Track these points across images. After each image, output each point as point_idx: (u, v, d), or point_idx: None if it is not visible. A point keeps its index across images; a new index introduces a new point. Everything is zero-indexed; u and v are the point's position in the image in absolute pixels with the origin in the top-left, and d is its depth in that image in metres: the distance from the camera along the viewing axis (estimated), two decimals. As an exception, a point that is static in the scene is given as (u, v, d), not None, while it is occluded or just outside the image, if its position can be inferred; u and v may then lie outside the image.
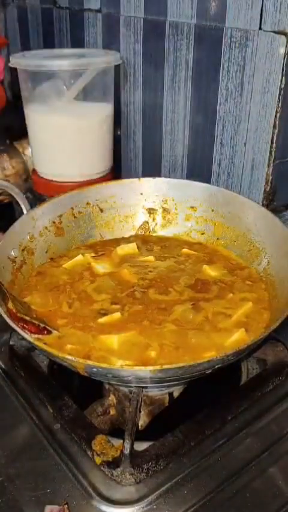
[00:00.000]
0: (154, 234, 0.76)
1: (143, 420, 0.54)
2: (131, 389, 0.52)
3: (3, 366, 0.61)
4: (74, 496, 0.46)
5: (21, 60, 0.84)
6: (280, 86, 0.70)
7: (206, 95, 0.81)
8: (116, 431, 0.54)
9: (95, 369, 0.46)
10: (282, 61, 0.68)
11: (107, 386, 0.57)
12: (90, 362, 0.46)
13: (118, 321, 0.57)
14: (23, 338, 0.49)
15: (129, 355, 0.52)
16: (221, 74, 0.78)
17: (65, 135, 0.85)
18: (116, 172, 0.95)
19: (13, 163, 0.97)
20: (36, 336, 0.53)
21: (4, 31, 1.33)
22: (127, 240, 0.75)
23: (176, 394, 0.57)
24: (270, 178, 0.77)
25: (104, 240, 0.75)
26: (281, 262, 0.62)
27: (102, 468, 0.48)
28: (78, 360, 0.46)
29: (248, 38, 0.71)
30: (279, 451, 0.50)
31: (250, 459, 0.49)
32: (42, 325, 0.54)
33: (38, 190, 0.91)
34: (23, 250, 0.66)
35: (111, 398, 0.56)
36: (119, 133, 1.02)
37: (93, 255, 0.70)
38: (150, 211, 0.76)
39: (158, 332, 0.56)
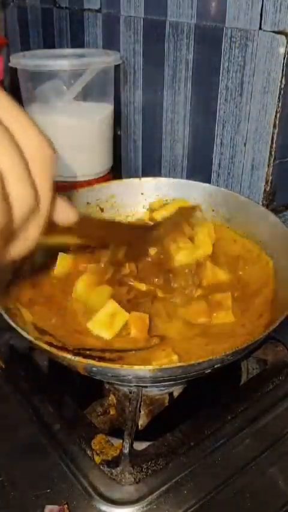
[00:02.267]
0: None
1: (142, 420, 0.54)
2: (131, 388, 0.52)
3: (3, 366, 0.61)
4: (74, 496, 0.46)
5: (21, 60, 0.84)
6: (280, 86, 0.70)
7: (206, 95, 0.81)
8: (116, 431, 0.54)
9: (94, 369, 0.46)
10: (282, 61, 0.68)
11: (107, 386, 0.57)
12: (90, 362, 0.46)
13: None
14: (23, 338, 0.49)
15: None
16: (221, 74, 0.78)
17: (65, 135, 0.85)
18: (116, 172, 0.96)
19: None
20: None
21: (4, 31, 1.33)
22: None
23: (176, 394, 0.57)
24: (270, 178, 0.77)
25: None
26: (281, 263, 0.62)
27: (101, 467, 0.48)
28: (79, 359, 0.46)
29: (248, 38, 0.71)
30: (279, 450, 0.50)
31: (250, 459, 0.49)
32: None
33: (38, 190, 0.91)
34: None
35: (111, 398, 0.56)
36: (119, 133, 1.02)
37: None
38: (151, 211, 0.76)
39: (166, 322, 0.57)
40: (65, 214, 0.36)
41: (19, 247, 0.33)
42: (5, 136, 0.29)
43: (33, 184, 0.30)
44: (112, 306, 0.55)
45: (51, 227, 0.35)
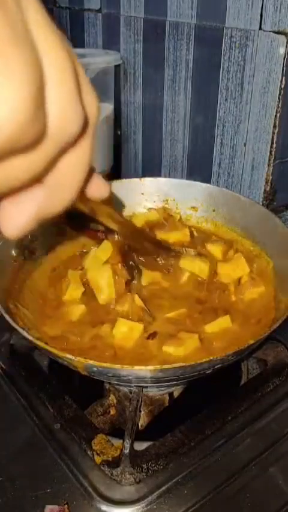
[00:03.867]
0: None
1: (143, 420, 0.54)
2: (131, 388, 0.52)
3: (3, 365, 0.61)
4: (74, 496, 0.46)
5: (22, 60, 0.84)
6: (280, 86, 0.70)
7: (206, 95, 0.81)
8: (116, 431, 0.54)
9: (95, 369, 0.46)
10: (282, 61, 0.68)
11: (107, 386, 0.57)
12: (90, 362, 0.46)
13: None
14: (24, 337, 0.49)
15: None
16: (221, 74, 0.78)
17: (65, 135, 0.85)
18: (116, 172, 0.96)
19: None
20: None
21: (4, 31, 1.33)
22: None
23: (176, 394, 0.57)
24: (270, 178, 0.77)
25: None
26: (281, 262, 0.62)
27: (102, 468, 0.48)
28: (79, 359, 0.46)
29: (248, 38, 0.71)
30: (279, 450, 0.50)
31: (250, 459, 0.49)
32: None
33: (38, 190, 0.90)
34: (24, 249, 0.65)
35: (111, 398, 0.56)
36: (119, 133, 1.02)
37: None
38: (151, 211, 0.76)
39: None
40: (98, 186, 0.29)
41: (54, 198, 0.24)
42: (56, 36, 0.20)
43: (81, 103, 0.22)
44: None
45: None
